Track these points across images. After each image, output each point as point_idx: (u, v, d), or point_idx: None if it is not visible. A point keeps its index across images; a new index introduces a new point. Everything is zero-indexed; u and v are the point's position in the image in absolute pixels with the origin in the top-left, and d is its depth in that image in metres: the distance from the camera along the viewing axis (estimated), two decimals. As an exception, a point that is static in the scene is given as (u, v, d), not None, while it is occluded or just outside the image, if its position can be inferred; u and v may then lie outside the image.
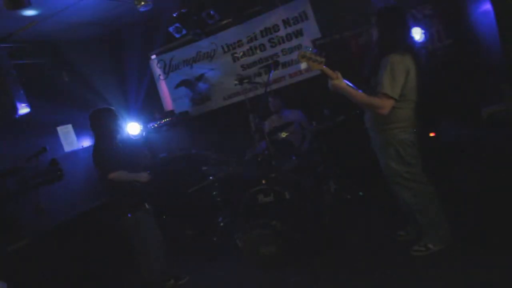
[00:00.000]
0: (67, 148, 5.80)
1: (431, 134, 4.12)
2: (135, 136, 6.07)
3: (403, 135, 3.31)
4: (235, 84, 5.55)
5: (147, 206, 4.06)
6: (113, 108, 4.14)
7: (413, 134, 3.35)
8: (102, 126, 3.95)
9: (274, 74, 5.67)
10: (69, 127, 5.90)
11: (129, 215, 3.90)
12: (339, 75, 3.30)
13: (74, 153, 5.80)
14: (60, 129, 5.79)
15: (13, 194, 4.51)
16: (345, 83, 3.31)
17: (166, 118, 6.34)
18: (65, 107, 5.70)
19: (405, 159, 3.34)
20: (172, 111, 6.66)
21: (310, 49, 3.33)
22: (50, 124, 5.66)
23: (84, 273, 4.68)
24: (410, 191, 3.41)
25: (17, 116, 4.76)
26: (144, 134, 6.26)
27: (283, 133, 5.05)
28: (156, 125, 6.28)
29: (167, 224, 5.37)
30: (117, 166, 3.83)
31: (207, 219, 5.29)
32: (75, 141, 5.91)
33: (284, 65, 5.86)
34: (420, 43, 4.56)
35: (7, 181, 4.54)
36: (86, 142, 5.94)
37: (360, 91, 3.33)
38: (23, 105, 4.82)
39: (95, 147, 3.97)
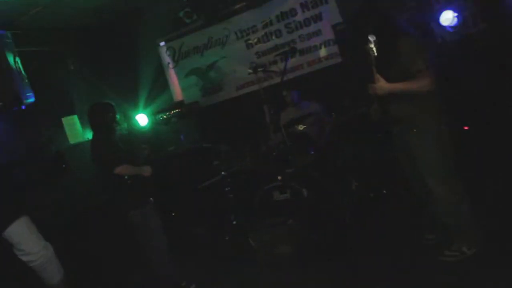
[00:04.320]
0: (72, 140, 5.82)
1: (465, 128, 4.00)
2: (143, 127, 6.08)
3: (440, 125, 3.26)
4: (249, 73, 5.46)
5: (152, 200, 4.10)
6: (111, 102, 4.19)
7: (447, 125, 3.30)
8: (101, 121, 4.02)
9: (291, 62, 5.61)
10: (75, 118, 5.93)
11: (136, 210, 3.94)
12: (379, 76, 3.29)
13: (80, 145, 5.80)
14: (65, 120, 5.81)
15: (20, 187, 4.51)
16: (386, 82, 3.30)
17: (175, 109, 6.27)
18: (70, 97, 5.73)
19: (442, 151, 3.26)
20: (181, 102, 6.66)
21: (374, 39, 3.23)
22: (55, 115, 5.68)
23: (92, 272, 4.71)
24: (444, 186, 3.30)
25: (22, 107, 4.77)
26: (152, 125, 6.24)
27: (300, 125, 5.02)
28: (164, 116, 6.25)
29: (176, 222, 5.37)
30: (121, 160, 3.89)
31: (218, 217, 5.28)
32: (80, 133, 5.92)
33: (302, 52, 5.79)
34: (452, 27, 4.41)
35: (13, 173, 4.53)
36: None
37: None
38: (28, 94, 4.84)
39: (95, 143, 4.03)
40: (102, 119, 4.00)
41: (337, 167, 4.96)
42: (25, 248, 3.70)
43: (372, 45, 3.14)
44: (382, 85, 3.27)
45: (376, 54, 3.15)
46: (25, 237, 3.71)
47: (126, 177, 3.90)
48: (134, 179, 3.95)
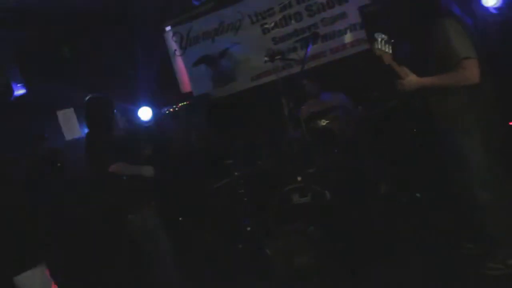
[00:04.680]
0: (68, 136, 5.85)
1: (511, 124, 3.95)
2: (146, 122, 6.10)
3: (487, 124, 3.23)
4: (265, 61, 5.44)
5: (153, 203, 4.13)
6: (107, 96, 4.24)
7: (495, 123, 3.29)
8: (98, 117, 4.07)
9: (313, 48, 5.47)
10: (71, 111, 5.95)
11: (135, 214, 3.97)
12: (406, 70, 3.31)
13: (76, 141, 5.82)
14: (60, 114, 5.85)
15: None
16: (416, 77, 3.31)
17: (182, 102, 6.35)
18: (66, 88, 5.69)
19: (489, 153, 3.24)
20: (190, 93, 6.66)
21: (382, 37, 3.26)
22: (49, 108, 5.71)
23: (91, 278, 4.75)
24: (490, 192, 3.27)
25: (11, 98, 4.82)
26: (156, 120, 6.26)
27: (323, 120, 5.00)
28: (171, 110, 6.31)
29: (183, 227, 5.41)
30: (116, 157, 3.91)
31: (230, 223, 5.29)
32: (77, 128, 5.95)
33: (325, 37, 5.77)
34: (496, 8, 4.36)
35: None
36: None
37: None
38: (18, 85, 4.89)
39: (90, 139, 4.07)
40: (99, 114, 4.06)
41: (364, 168, 4.93)
42: None
43: (381, 45, 3.16)
44: (411, 79, 3.27)
45: (390, 51, 3.19)
46: None
47: (124, 177, 3.93)
48: (133, 179, 3.98)
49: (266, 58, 5.34)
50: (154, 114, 6.26)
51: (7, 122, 5.04)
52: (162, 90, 6.63)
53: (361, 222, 4.34)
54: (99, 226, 5.11)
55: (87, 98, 4.14)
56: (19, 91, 4.90)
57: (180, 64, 6.73)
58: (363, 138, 5.09)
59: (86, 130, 4.19)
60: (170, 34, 6.67)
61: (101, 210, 5.08)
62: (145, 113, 6.18)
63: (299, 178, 4.33)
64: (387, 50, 3.26)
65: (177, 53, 6.68)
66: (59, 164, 4.97)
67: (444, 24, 3.16)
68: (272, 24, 6.04)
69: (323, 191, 4.17)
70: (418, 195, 4.89)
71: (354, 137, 5.17)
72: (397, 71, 3.31)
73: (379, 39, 3.25)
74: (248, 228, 4.98)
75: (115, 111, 4.17)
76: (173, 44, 6.69)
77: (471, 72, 3.11)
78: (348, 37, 5.69)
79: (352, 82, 5.53)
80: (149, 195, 4.12)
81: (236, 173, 5.05)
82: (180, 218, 5.66)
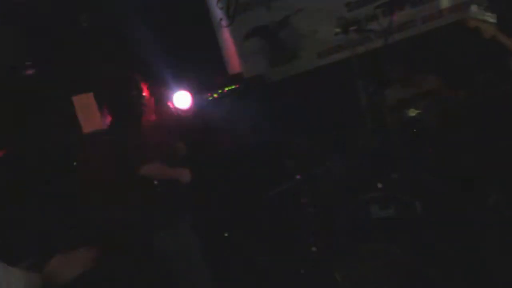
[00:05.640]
0: (86, 127, 5.95)
1: None
2: (183, 111, 6.16)
3: None
4: (336, 33, 5.44)
5: (190, 217, 4.20)
6: (137, 75, 4.31)
7: None
8: (122, 102, 4.14)
9: (399, 16, 5.57)
10: (90, 96, 6.02)
11: (166, 231, 4.02)
12: None
13: (98, 135, 5.94)
14: (77, 100, 5.94)
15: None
16: None
17: (230, 85, 6.42)
18: (84, 68, 5.85)
19: None
20: (239, 75, 6.73)
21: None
22: (62, 92, 5.77)
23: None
24: None
25: (18, 80, 4.93)
26: (196, 108, 6.33)
27: (412, 109, 4.98)
28: (215, 96, 6.36)
29: (229, 246, 5.46)
30: (150, 156, 3.95)
31: (290, 241, 5.31)
32: (98, 118, 6.04)
33: (414, 3, 5.76)
34: None
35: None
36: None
37: None
38: (26, 63, 4.99)
39: (112, 131, 4.16)
40: (124, 99, 4.12)
41: (468, 171, 4.85)
42: None
43: (478, 13, 3.11)
44: None
45: (494, 20, 3.15)
46: None
47: (155, 182, 3.98)
48: (166, 185, 4.03)
49: (337, 29, 5.34)
50: (194, 101, 6.27)
51: (12, 109, 5.23)
52: (204, 71, 6.68)
53: (463, 242, 4.29)
54: (119, 244, 5.20)
55: (106, 74, 4.19)
56: (27, 71, 5.00)
57: (227, 38, 6.81)
58: (465, 131, 5.02)
59: (109, 119, 4.24)
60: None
61: (124, 225, 5.21)
62: (182, 100, 6.18)
63: (379, 185, 4.35)
64: (487, 19, 3.21)
65: (223, 23, 6.77)
66: (74, 163, 5.07)
67: None
68: (346, -15, 6.07)
69: (412, 202, 4.16)
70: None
71: (453, 131, 5.12)
72: (506, 45, 3.26)
73: (475, 7, 3.19)
74: (313, 248, 4.95)
75: (144, 94, 4.19)
76: (218, 12, 6.77)
77: None
78: (444, 2, 5.65)
79: (450, 61, 5.51)
80: (185, 206, 4.18)
81: (297, 177, 5.04)
82: (225, 234, 5.69)
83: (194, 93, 6.34)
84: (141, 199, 4.03)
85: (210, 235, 4.95)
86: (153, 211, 4.02)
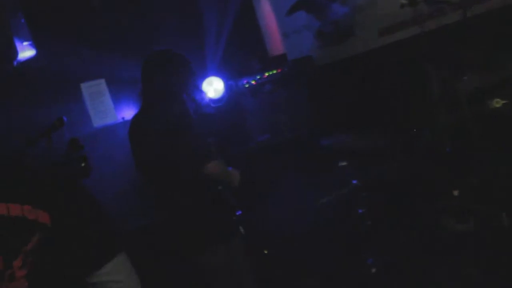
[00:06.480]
0: (97, 121, 6.08)
1: None
2: (215, 101, 6.24)
3: None
4: (402, 5, 5.49)
5: (242, 230, 4.20)
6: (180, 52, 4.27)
7: None
8: (171, 82, 4.00)
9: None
10: (101, 83, 6.13)
11: (219, 246, 3.96)
12: None
13: (111, 130, 6.08)
14: (86, 87, 6.06)
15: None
16: None
17: (271, 70, 6.46)
18: (94, 52, 5.88)
19: None
20: (282, 57, 6.76)
21: None
22: (70, 79, 5.89)
23: None
24: None
25: (15, 63, 5.01)
26: (230, 97, 6.47)
27: (497, 99, 4.97)
28: (253, 82, 6.44)
29: (267, 266, 5.47)
30: (211, 150, 3.87)
31: (344, 259, 5.37)
32: (111, 109, 6.18)
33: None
34: None
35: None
36: (130, 112, 5.93)
37: None
38: (25, 44, 5.08)
39: (159, 117, 3.90)
40: (174, 78, 3.98)
41: None
42: None
43: None
44: None
45: None
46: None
47: (219, 187, 3.96)
48: (223, 190, 4.04)
49: (403, 1, 5.41)
50: (228, 87, 6.40)
51: (9, 98, 5.29)
52: (240, 53, 6.82)
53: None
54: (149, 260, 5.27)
55: (153, 52, 4.09)
56: (27, 52, 5.08)
57: (267, 12, 6.90)
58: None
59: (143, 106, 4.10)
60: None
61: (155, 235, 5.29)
62: (213, 87, 6.31)
63: (455, 193, 4.36)
64: None
65: (263, -7, 6.87)
66: (83, 164, 5.14)
67: None
68: None
69: (498, 213, 4.13)
70: None
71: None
72: None
73: None
74: (373, 270, 5.02)
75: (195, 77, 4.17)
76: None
77: None
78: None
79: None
80: (238, 216, 4.17)
81: (353, 182, 5.12)
82: (265, 251, 5.74)
83: (227, 79, 6.48)
84: (192, 205, 3.90)
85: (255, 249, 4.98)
86: (206, 220, 3.91)
